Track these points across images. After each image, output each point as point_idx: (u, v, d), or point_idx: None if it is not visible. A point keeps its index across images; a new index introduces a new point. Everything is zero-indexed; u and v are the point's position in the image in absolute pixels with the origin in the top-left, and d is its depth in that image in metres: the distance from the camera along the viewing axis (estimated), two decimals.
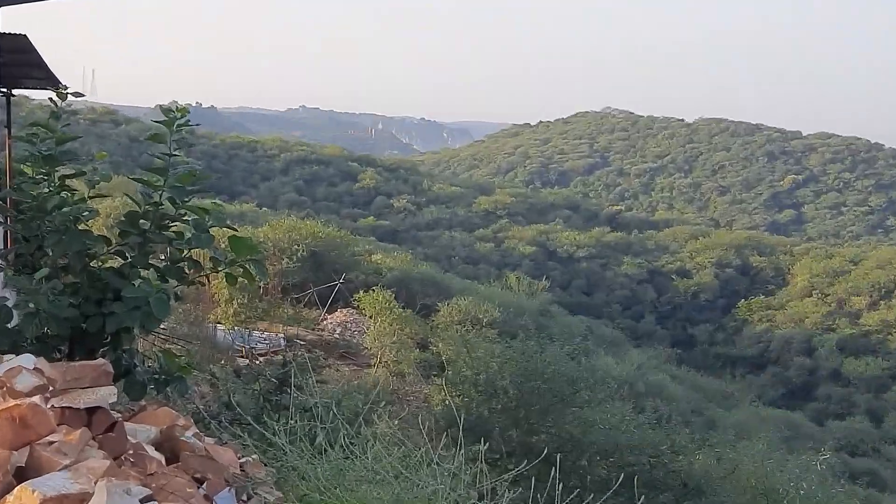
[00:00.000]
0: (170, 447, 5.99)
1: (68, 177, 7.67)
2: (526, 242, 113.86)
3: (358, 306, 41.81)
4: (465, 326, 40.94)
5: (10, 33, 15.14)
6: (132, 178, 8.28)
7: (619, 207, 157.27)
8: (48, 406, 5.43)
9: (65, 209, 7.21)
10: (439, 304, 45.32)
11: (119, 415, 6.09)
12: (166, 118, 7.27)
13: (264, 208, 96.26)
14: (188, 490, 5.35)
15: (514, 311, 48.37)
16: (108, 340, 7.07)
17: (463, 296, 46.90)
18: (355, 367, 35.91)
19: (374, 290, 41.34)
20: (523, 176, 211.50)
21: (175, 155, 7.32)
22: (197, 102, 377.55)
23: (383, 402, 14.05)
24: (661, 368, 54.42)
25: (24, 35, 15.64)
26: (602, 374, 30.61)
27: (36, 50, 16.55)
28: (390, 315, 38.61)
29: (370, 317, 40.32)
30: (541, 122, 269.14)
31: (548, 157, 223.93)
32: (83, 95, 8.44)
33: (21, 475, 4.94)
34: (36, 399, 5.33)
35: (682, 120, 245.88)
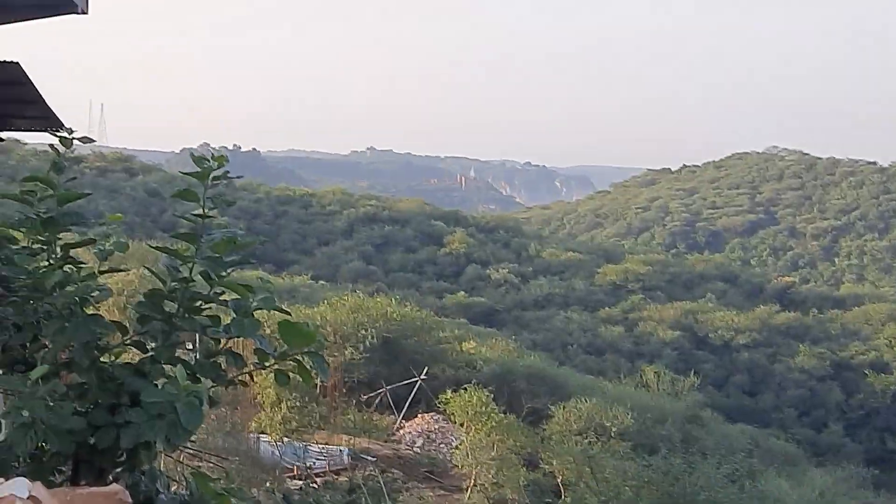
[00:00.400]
0: None
1: (73, 245, 7.71)
2: (667, 325, 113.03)
3: (445, 410, 41.78)
4: (587, 438, 40.66)
5: None
6: (153, 247, 8.34)
7: (791, 279, 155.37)
8: None
9: (69, 288, 7.23)
10: (552, 407, 45.11)
11: None
12: (199, 168, 7.29)
13: (322, 281, 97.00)
14: None
15: (652, 417, 47.99)
16: (124, 458, 7.04)
17: (584, 397, 46.65)
18: (443, 492, 35.83)
19: (465, 388, 41.28)
20: (662, 237, 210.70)
21: (209, 216, 7.34)
22: (235, 145, 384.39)
23: None
24: (852, 495, 53.38)
25: (17, 63, 16.03)
26: (773, 502, 30.13)
27: (31, 81, 16.92)
28: (488, 422, 38.49)
29: (461, 424, 40.26)
30: (684, 166, 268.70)
31: (695, 213, 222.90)
32: (92, 140, 8.53)
33: None
34: None
35: (875, 163, 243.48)
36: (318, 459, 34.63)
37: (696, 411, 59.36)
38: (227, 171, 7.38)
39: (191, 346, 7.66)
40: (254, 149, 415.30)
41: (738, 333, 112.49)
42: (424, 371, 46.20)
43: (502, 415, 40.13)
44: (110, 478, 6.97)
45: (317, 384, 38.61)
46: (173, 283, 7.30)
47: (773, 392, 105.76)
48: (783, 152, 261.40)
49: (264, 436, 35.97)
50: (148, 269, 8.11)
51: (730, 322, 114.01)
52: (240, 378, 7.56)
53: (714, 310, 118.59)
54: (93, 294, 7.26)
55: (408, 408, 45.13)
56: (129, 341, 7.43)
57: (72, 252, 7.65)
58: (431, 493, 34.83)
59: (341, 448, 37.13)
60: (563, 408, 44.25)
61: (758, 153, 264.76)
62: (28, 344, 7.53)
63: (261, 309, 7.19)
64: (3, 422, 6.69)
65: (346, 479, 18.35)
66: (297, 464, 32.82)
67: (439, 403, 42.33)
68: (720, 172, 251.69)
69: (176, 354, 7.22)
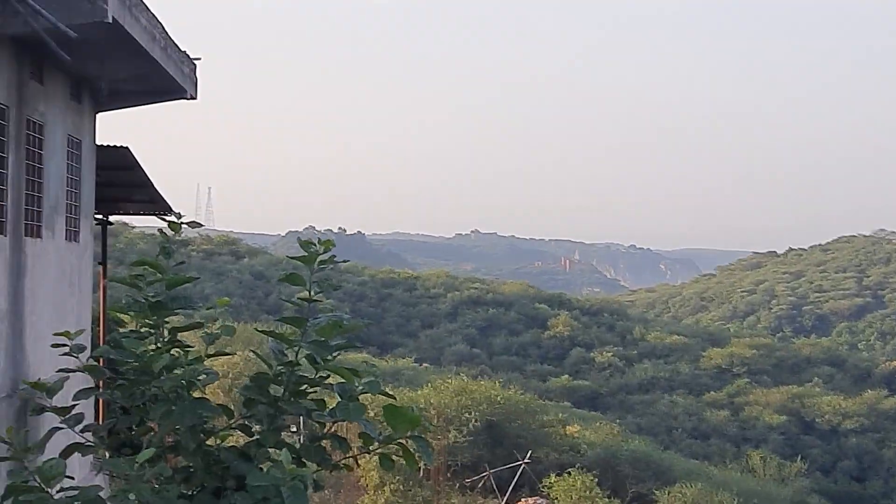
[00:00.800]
0: None
1: (181, 329, 7.76)
2: (773, 410, 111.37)
3: (549, 494, 41.46)
4: None
5: (108, 146, 15.79)
6: (259, 331, 8.37)
7: None
8: None
9: (176, 371, 7.27)
10: (657, 492, 44.65)
11: None
12: (306, 253, 7.30)
13: (425, 364, 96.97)
14: None
15: (758, 502, 47.29)
16: None
17: (689, 481, 46.10)
18: None
19: (569, 472, 40.99)
20: (768, 321, 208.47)
21: (315, 300, 7.34)
22: (340, 228, 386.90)
23: None
24: None
25: (126, 148, 16.27)
26: None
27: (140, 166, 17.19)
28: None
29: None
30: (790, 249, 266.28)
31: (801, 296, 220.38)
32: (200, 225, 8.60)
33: None
34: None
35: None
36: None
37: (803, 497, 58.47)
38: (334, 255, 7.39)
39: (296, 430, 7.65)
40: (359, 231, 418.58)
41: (845, 418, 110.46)
42: (528, 454, 45.90)
43: (607, 499, 39.79)
44: None
45: (420, 467, 38.45)
46: (279, 367, 7.31)
47: (881, 478, 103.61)
48: (891, 235, 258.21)
49: None
50: (254, 352, 8.14)
51: (837, 407, 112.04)
52: (345, 462, 7.54)
53: (821, 394, 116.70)
54: (199, 377, 7.30)
55: (511, 491, 44.80)
56: (234, 425, 7.45)
57: (179, 335, 7.71)
58: None
59: None
60: (669, 493, 43.78)
61: (865, 236, 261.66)
62: (135, 427, 7.59)
63: (366, 393, 7.16)
64: None
65: None
66: None
67: (543, 487, 42.05)
68: (827, 256, 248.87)
69: (281, 438, 7.21)
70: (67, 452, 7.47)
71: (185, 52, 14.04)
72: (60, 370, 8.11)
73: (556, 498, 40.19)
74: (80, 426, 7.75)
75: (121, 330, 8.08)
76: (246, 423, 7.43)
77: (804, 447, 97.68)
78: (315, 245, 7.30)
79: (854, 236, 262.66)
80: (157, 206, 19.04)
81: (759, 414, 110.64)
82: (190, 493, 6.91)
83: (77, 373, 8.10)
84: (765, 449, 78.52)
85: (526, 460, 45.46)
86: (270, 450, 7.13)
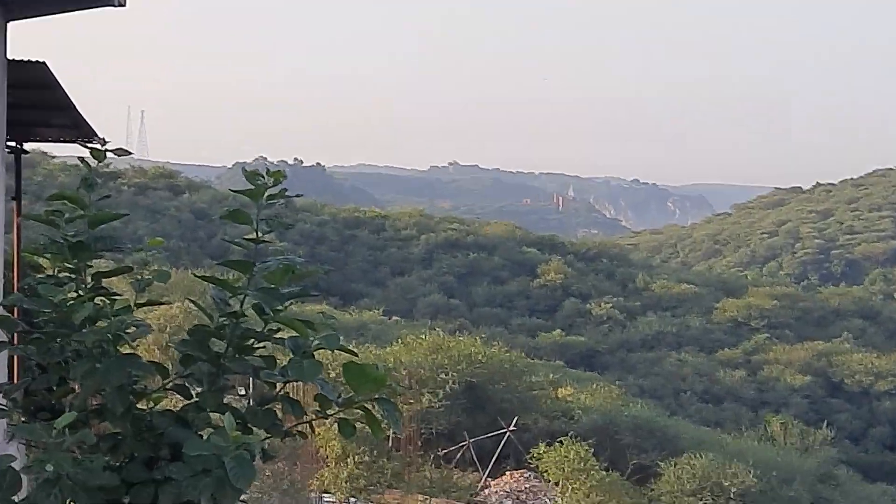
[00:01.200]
0: None
1: (106, 274, 7.69)
2: (796, 369, 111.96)
3: (537, 467, 41.68)
4: (702, 499, 40.41)
5: (22, 60, 15.61)
6: (199, 277, 8.32)
7: None
8: None
9: (100, 323, 7.20)
10: (662, 463, 44.87)
11: None
12: (252, 185, 7.24)
13: (395, 318, 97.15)
14: None
15: (778, 475, 47.54)
16: None
17: (698, 452, 46.34)
18: None
19: (561, 442, 41.16)
20: (791, 267, 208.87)
21: (264, 241, 7.29)
22: (296, 159, 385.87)
23: None
24: None
25: (43, 63, 16.08)
26: None
27: (60, 85, 16.98)
28: (587, 481, 38.35)
29: (556, 483, 40.13)
30: (818, 184, 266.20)
31: (829, 239, 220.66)
32: (129, 153, 8.51)
33: None
34: None
35: None
36: None
37: (829, 469, 58.84)
38: (285, 189, 7.33)
39: (242, 392, 7.62)
40: (318, 163, 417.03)
41: (878, 379, 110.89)
42: (514, 422, 46.08)
43: (604, 472, 39.99)
44: None
45: (388, 436, 38.59)
46: (222, 319, 7.24)
47: None
48: None
49: (328, 495, 36.09)
50: (193, 302, 8.07)
51: (869, 365, 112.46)
52: (298, 428, 7.51)
53: (851, 351, 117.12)
54: (128, 330, 7.21)
55: (494, 464, 45.04)
56: (170, 385, 7.40)
57: (105, 282, 7.63)
58: None
59: None
60: (675, 464, 44.03)
61: None
62: (54, 388, 7.52)
63: (323, 349, 7.11)
64: (23, 477, 6.67)
65: None
66: None
67: (531, 459, 42.26)
68: (859, 192, 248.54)
69: (224, 401, 7.15)
70: None
71: None
72: None
73: (546, 471, 40.43)
74: None
75: (37, 276, 7.95)
76: (183, 383, 7.39)
77: (831, 412, 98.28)
78: (262, 177, 7.22)
79: (890, 169, 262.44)
80: (80, 131, 18.81)
81: (779, 374, 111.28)
82: (118, 463, 6.86)
83: None
84: (786, 414, 79.04)
85: (511, 428, 45.66)
86: (212, 414, 7.09)
